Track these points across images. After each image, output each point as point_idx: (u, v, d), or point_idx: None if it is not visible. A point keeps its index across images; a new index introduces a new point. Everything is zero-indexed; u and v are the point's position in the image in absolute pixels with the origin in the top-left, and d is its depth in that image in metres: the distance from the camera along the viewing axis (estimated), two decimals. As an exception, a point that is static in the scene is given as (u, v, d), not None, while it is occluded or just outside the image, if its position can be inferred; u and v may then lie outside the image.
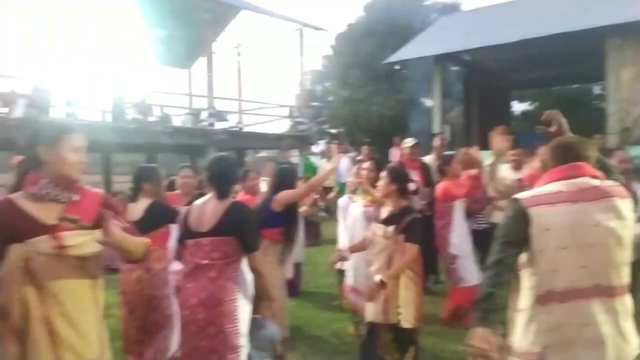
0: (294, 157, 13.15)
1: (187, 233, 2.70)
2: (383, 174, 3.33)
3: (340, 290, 4.89)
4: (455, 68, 14.23)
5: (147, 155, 14.96)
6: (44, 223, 1.80)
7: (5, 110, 10.01)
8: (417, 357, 3.22)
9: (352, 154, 11.88)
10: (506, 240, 1.85)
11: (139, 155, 15.90)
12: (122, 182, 15.66)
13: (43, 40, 11.05)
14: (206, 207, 2.71)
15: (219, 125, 13.44)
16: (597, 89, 17.74)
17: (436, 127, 12.26)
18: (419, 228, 3.18)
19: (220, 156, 2.93)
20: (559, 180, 1.88)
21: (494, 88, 13.94)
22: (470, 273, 4.46)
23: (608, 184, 1.88)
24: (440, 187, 4.74)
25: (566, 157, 1.90)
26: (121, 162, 17.76)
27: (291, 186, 3.65)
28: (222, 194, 2.70)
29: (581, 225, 1.79)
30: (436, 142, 5.89)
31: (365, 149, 9.60)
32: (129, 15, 12.71)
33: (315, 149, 15.76)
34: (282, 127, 16.47)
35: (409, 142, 5.73)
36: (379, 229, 3.23)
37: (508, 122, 16.48)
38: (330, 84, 22.36)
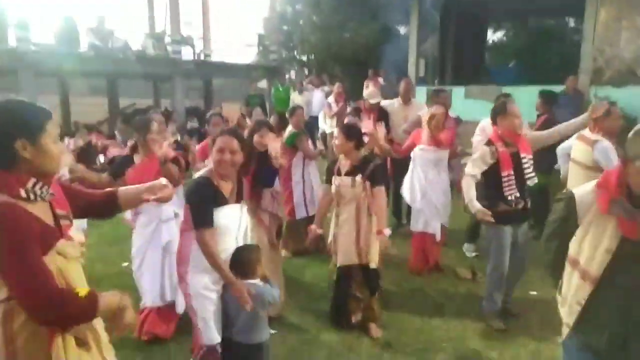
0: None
1: None
2: (336, 132, 3.52)
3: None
4: (432, -4, 13.67)
5: (109, 81, 14.23)
6: (52, 226, 1.56)
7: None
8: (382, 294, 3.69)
9: (326, 88, 11.60)
10: None
11: (100, 80, 15.13)
12: (79, 104, 15.10)
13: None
14: None
15: (184, 52, 12.75)
16: (572, 22, 17.53)
17: (411, 60, 11.99)
18: (382, 172, 3.52)
19: None
20: None
21: (470, 18, 13.58)
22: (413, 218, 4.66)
23: None
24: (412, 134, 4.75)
25: None
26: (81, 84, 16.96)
27: None
28: None
29: None
30: (401, 86, 5.79)
31: (338, 87, 9.28)
32: None
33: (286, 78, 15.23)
34: (250, 55, 15.80)
35: (372, 98, 5.67)
36: (344, 180, 3.42)
37: (482, 54, 16.30)
38: (301, 7, 21.17)
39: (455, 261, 4.83)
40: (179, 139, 9.15)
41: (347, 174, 3.43)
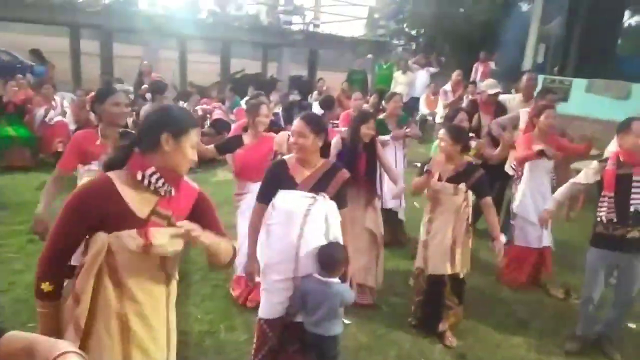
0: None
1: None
2: (442, 133, 3.34)
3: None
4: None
5: (223, 45, 14.95)
6: (136, 215, 1.66)
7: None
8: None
9: (432, 69, 11.18)
10: None
11: (216, 42, 15.99)
12: (195, 62, 16.04)
13: None
14: None
15: (294, 21, 12.97)
16: None
17: (531, 43, 11.03)
18: (487, 181, 3.36)
19: None
20: None
21: (605, 1, 12.06)
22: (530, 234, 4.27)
23: None
24: (521, 140, 4.34)
25: None
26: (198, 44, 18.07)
27: None
28: None
29: None
30: (523, 81, 5.32)
31: (457, 74, 8.78)
32: None
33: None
34: (358, 29, 15.59)
35: (491, 88, 5.29)
36: (445, 187, 3.28)
37: (615, 42, 14.47)
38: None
39: (560, 278, 4.53)
40: (280, 110, 9.51)
41: (449, 180, 3.30)
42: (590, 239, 3.34)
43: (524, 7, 17.66)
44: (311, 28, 14.03)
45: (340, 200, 2.61)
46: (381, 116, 5.07)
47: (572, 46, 12.17)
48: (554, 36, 13.23)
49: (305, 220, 2.49)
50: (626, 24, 17.42)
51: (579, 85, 9.30)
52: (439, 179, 3.34)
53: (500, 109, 5.26)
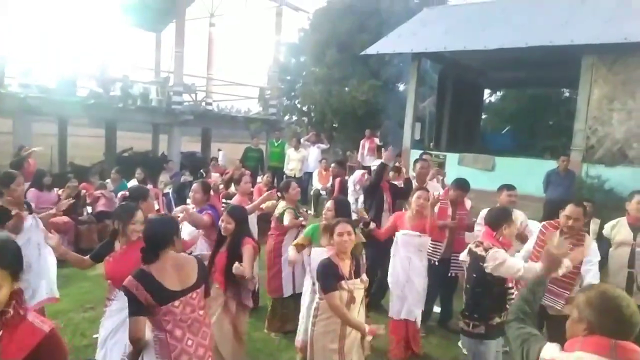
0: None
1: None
2: (343, 227, 3.14)
3: None
4: (431, 61, 14.06)
5: (107, 125, 14.30)
6: None
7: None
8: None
9: (322, 145, 11.68)
10: None
11: (98, 129, 15.28)
12: (78, 136, 14.84)
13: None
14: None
15: (186, 98, 12.93)
16: (567, 92, 17.96)
17: (408, 122, 12.04)
18: None
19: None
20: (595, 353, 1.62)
21: (468, 84, 13.88)
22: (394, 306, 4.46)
23: None
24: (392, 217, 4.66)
25: (615, 331, 1.64)
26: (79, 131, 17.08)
27: None
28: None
29: None
30: (417, 168, 5.64)
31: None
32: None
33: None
34: (251, 107, 16.05)
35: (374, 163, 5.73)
36: (356, 283, 3.13)
37: (479, 119, 16.56)
38: (305, 59, 21.61)
39: (439, 350, 4.65)
40: (170, 191, 9.16)
41: (354, 275, 3.16)
42: None
43: (402, 87, 19.51)
44: (203, 105, 14.09)
45: None
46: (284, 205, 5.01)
47: (444, 123, 13.60)
48: (428, 114, 14.71)
49: None
50: (487, 101, 20.03)
51: (452, 159, 10.25)
52: (348, 277, 3.13)
53: (394, 192, 5.46)
